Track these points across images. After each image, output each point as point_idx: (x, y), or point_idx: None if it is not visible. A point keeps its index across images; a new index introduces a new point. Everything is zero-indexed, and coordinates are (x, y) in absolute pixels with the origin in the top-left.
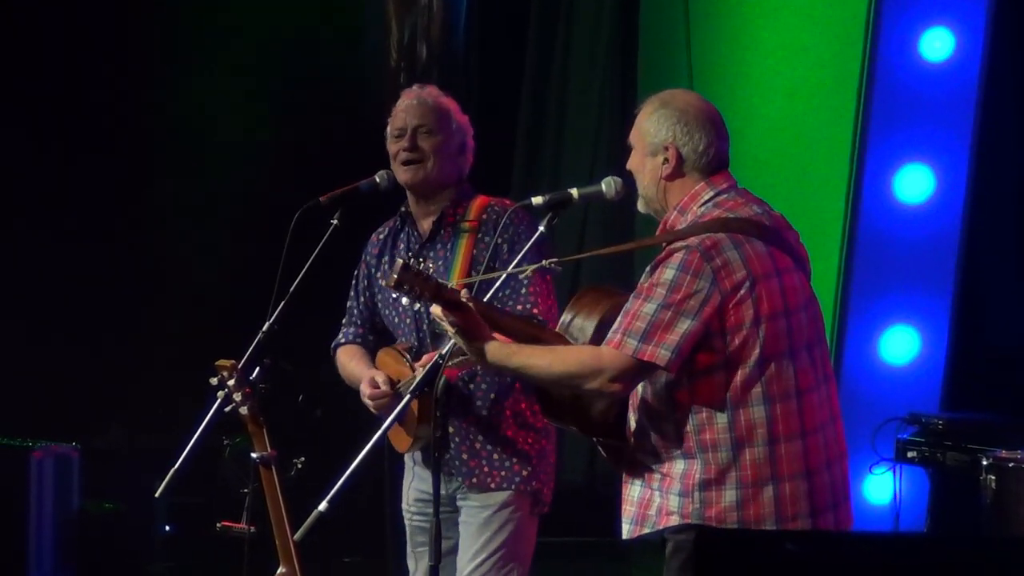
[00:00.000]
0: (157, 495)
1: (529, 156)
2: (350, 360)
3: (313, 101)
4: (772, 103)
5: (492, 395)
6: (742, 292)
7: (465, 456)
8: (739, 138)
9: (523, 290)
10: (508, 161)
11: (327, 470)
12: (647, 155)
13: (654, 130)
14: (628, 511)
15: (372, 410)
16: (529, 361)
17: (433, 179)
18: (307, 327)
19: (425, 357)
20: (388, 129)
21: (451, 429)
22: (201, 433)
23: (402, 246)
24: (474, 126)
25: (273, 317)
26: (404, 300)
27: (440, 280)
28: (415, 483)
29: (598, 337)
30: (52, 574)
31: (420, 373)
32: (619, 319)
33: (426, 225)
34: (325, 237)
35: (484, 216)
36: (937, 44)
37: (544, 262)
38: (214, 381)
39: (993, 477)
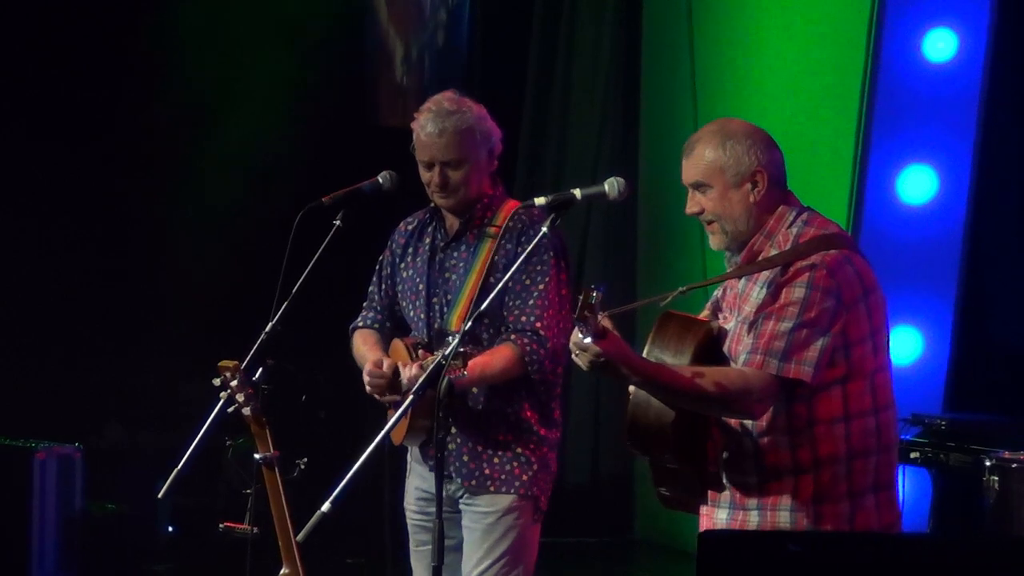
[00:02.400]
0: (160, 496)
1: (532, 157)
2: (363, 343)
3: (316, 101)
4: (775, 104)
5: (495, 399)
6: (860, 306)
7: (466, 458)
8: None
9: (531, 301)
10: (511, 162)
11: (329, 471)
12: (731, 188)
13: (735, 161)
14: None
15: (368, 389)
16: (677, 382)
17: (467, 200)
18: (310, 328)
19: (414, 366)
20: (414, 147)
21: (453, 430)
22: (204, 434)
23: (428, 241)
24: None
25: (276, 318)
26: (582, 334)
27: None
28: (416, 482)
29: (697, 364)
30: (55, 575)
31: (460, 346)
32: (754, 341)
33: (454, 225)
34: (328, 238)
35: (510, 223)
36: (940, 45)
37: (682, 288)
38: (217, 382)
39: (996, 478)
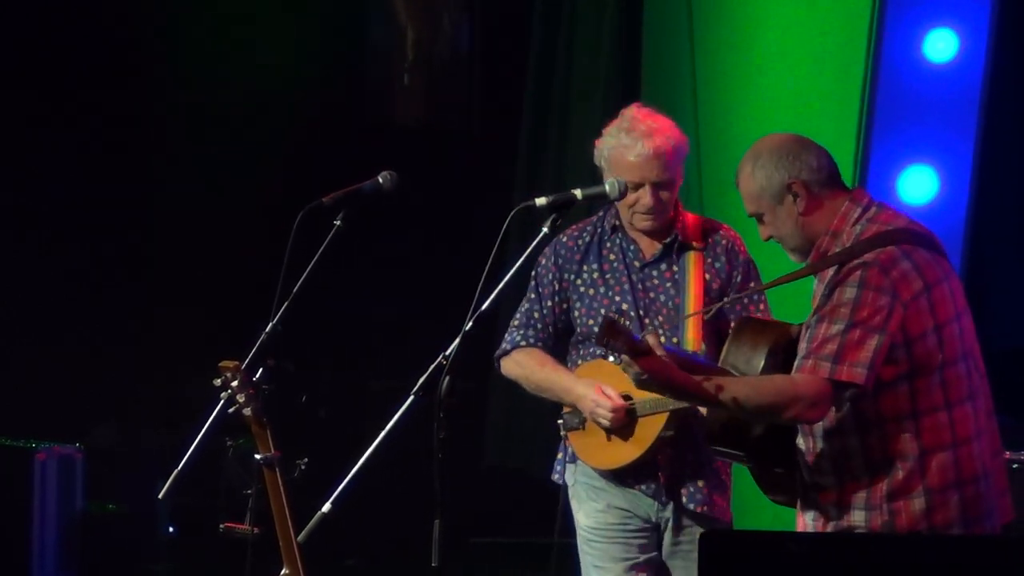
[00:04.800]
0: (160, 496)
1: (532, 157)
2: (542, 365)
3: (317, 100)
4: (775, 104)
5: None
6: (921, 301)
7: (701, 483)
8: (742, 140)
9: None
10: (511, 161)
11: (330, 471)
12: (776, 207)
13: (767, 182)
14: None
15: (605, 423)
16: (726, 395)
17: (669, 220)
18: (311, 328)
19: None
20: (611, 163)
21: (690, 456)
22: (204, 434)
23: (613, 258)
24: (477, 126)
25: (276, 318)
26: (611, 358)
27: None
28: (607, 499)
29: (768, 368)
30: (55, 575)
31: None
32: (806, 345)
33: (648, 245)
34: (328, 238)
35: (710, 240)
36: (941, 45)
37: (738, 295)
38: (217, 382)
39: None
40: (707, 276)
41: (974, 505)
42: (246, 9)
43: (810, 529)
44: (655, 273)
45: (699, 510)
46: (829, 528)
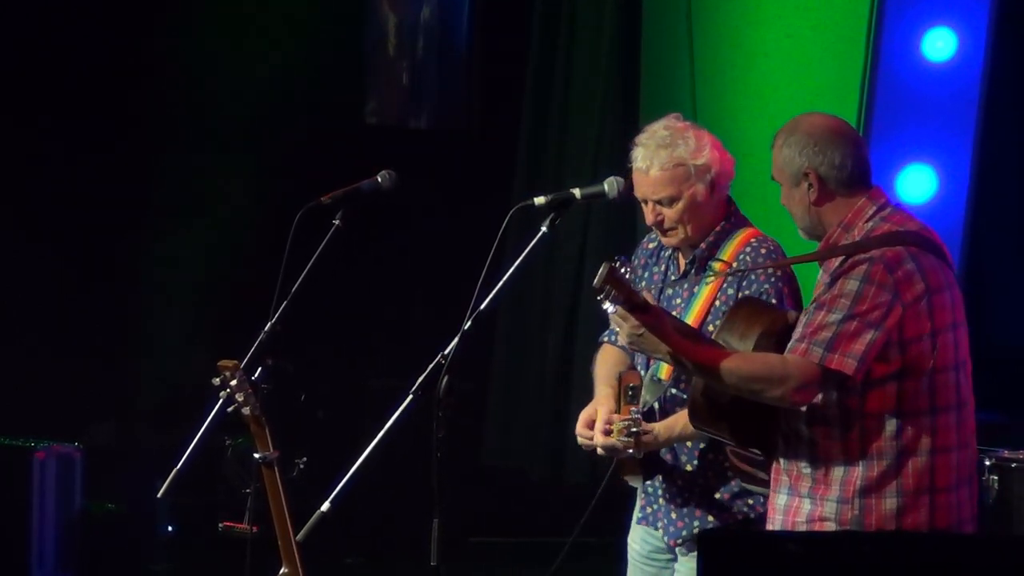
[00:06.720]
0: (159, 495)
1: (531, 156)
2: (601, 364)
3: (316, 100)
4: (774, 104)
5: (709, 455)
6: (921, 304)
7: (674, 516)
8: (741, 139)
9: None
10: (511, 161)
11: (329, 470)
12: (792, 187)
13: (788, 162)
14: (775, 520)
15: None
16: (714, 361)
17: (695, 236)
18: (309, 328)
19: (600, 434)
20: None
21: (665, 486)
22: (203, 433)
23: (663, 267)
24: (476, 126)
25: (275, 317)
26: (606, 304)
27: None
28: (639, 513)
29: (760, 349)
30: (54, 575)
31: (632, 425)
32: (801, 329)
33: (683, 261)
34: (327, 238)
35: (735, 263)
36: (939, 44)
37: (735, 268)
38: (216, 381)
39: (996, 477)
40: (717, 302)
41: (945, 514)
42: (246, 9)
43: (780, 510)
44: (681, 292)
45: (671, 543)
46: (801, 517)
